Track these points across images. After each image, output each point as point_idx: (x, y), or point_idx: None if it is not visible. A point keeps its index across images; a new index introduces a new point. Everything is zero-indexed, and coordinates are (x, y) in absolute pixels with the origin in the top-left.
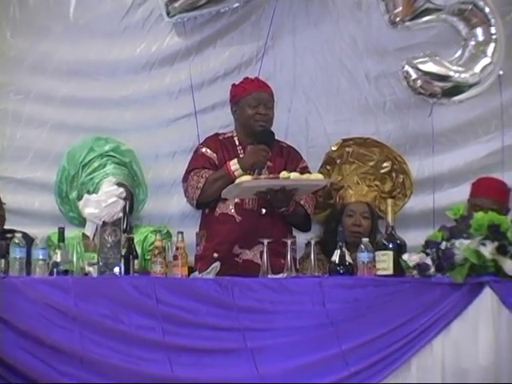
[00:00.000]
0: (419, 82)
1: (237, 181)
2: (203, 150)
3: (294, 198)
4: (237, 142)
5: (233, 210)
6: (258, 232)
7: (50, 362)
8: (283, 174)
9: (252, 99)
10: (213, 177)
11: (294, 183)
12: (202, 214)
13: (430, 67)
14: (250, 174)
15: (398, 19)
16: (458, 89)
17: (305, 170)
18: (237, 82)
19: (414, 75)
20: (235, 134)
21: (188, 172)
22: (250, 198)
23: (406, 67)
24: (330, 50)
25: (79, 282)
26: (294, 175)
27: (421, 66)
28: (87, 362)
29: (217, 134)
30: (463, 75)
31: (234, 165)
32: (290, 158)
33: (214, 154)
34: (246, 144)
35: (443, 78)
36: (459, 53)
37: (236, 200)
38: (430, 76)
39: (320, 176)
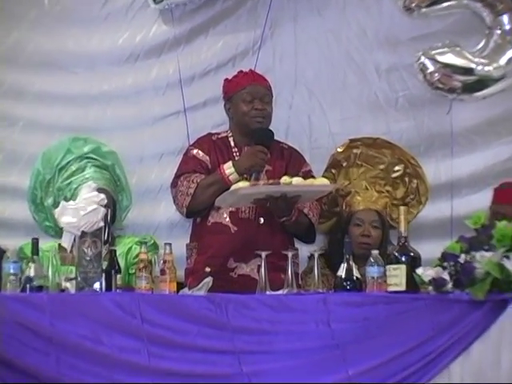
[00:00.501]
0: (437, 76)
1: (232, 187)
2: (194, 151)
3: (296, 206)
4: (232, 143)
5: (227, 219)
6: (256, 244)
7: None
8: (284, 179)
9: (246, 94)
10: (205, 182)
11: (296, 189)
12: (193, 223)
13: (449, 59)
14: (246, 178)
15: (413, 5)
16: (480, 83)
17: (308, 175)
18: (230, 76)
19: (431, 68)
20: (230, 134)
21: (177, 176)
22: (246, 206)
23: (423, 59)
24: (335, 39)
25: (55, 299)
26: (296, 180)
27: (439, 58)
28: None
29: (209, 134)
30: (486, 68)
31: (228, 168)
32: (292, 161)
33: (207, 157)
34: (242, 145)
35: (464, 71)
36: (483, 43)
37: (231, 208)
38: (450, 69)
39: (325, 181)
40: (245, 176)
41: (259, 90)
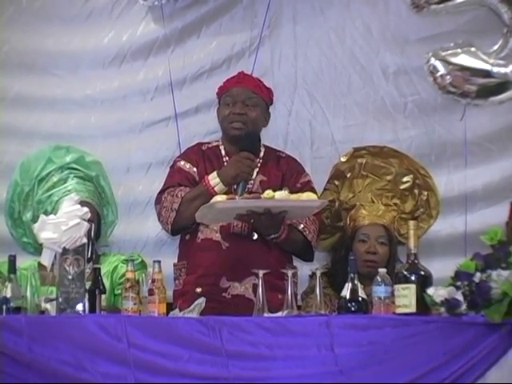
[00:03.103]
0: (449, 79)
1: (211, 201)
2: (181, 163)
3: (285, 223)
4: (223, 152)
5: (218, 235)
6: (250, 261)
7: None
8: (267, 193)
9: (228, 97)
10: (190, 195)
11: (279, 205)
12: (181, 241)
13: (462, 60)
14: (230, 191)
15: (422, 1)
16: (497, 87)
17: (307, 186)
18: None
19: (442, 70)
20: (221, 143)
21: (161, 192)
22: (230, 221)
23: (433, 60)
24: (338, 39)
25: (34, 321)
26: (279, 195)
27: (451, 59)
28: None
29: (199, 144)
30: (504, 70)
31: (213, 179)
32: (289, 171)
33: (194, 169)
34: (233, 154)
35: (479, 73)
36: (500, 43)
37: (221, 222)
38: (463, 71)
39: (313, 196)
40: (232, 188)
41: (242, 92)
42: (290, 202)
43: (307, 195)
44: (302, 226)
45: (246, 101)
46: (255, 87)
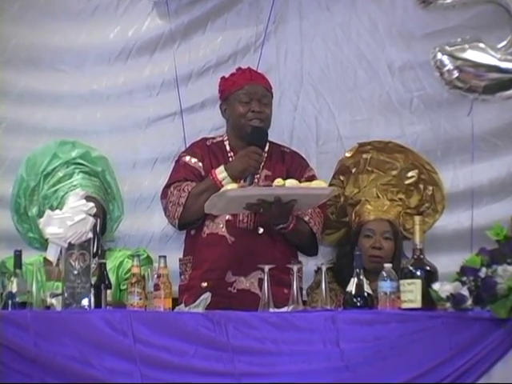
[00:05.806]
0: (455, 74)
1: (222, 189)
2: (186, 158)
3: (293, 213)
4: (228, 147)
5: (224, 230)
6: (256, 255)
7: None
8: (277, 181)
9: (243, 94)
10: (197, 189)
11: (289, 192)
12: (187, 236)
13: (469, 55)
14: (238, 182)
15: None
16: (504, 83)
17: (311, 180)
18: (227, 75)
19: (449, 65)
20: (226, 138)
21: (167, 186)
22: (239, 212)
23: (439, 55)
24: (344, 35)
25: (40, 317)
26: (289, 183)
27: (458, 54)
28: None
29: (204, 139)
30: (511, 66)
31: (220, 173)
32: (294, 166)
33: (200, 163)
34: (238, 149)
35: (487, 69)
36: (508, 39)
37: (227, 217)
38: (470, 66)
39: (323, 183)
40: (238, 181)
41: (257, 89)
42: (301, 189)
43: (317, 183)
44: (307, 217)
45: (261, 99)
46: (266, 84)
